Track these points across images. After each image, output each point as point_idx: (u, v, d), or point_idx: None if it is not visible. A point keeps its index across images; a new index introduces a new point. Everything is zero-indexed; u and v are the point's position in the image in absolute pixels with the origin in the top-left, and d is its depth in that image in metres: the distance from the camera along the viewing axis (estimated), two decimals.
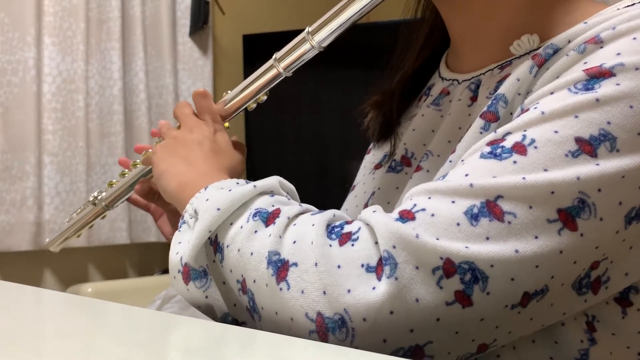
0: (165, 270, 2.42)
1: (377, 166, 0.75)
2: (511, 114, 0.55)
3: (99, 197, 0.80)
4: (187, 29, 2.51)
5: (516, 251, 0.44)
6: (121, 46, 2.30)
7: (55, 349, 0.38)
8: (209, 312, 0.55)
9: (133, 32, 2.36)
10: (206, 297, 0.54)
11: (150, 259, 2.47)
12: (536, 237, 0.44)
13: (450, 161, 0.56)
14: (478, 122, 0.56)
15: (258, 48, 2.53)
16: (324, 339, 0.45)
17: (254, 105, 0.73)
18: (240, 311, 0.54)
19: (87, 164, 2.23)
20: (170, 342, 0.41)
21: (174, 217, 0.79)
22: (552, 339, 0.51)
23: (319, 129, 2.52)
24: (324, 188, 2.25)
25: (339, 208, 0.79)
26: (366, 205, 0.72)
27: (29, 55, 2.15)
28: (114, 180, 0.80)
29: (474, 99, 0.63)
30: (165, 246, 2.48)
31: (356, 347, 0.44)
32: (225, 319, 0.54)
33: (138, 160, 0.78)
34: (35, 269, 2.23)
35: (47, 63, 2.18)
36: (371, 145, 0.80)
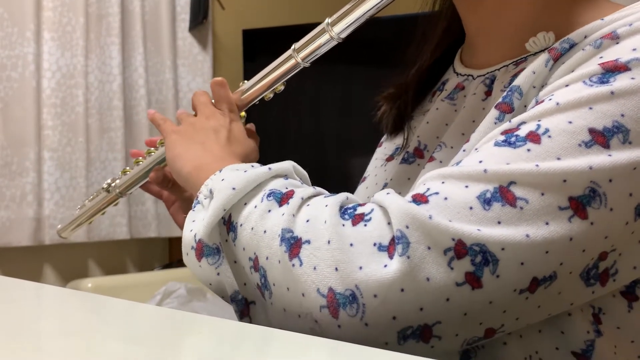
0: (166, 266, 2.42)
1: (389, 158, 0.75)
2: (525, 106, 0.55)
3: (113, 185, 0.81)
4: (186, 24, 2.50)
5: (527, 236, 0.45)
6: (121, 41, 2.30)
7: (55, 344, 0.38)
8: (220, 289, 0.56)
9: (133, 27, 2.36)
10: (218, 274, 0.55)
11: (150, 254, 2.47)
12: (547, 223, 0.45)
13: (464, 150, 0.56)
14: (493, 113, 0.56)
15: (258, 43, 2.53)
16: (334, 314, 0.45)
17: (271, 95, 0.74)
18: (250, 290, 0.54)
19: (86, 159, 2.22)
20: (170, 338, 0.41)
21: (187, 205, 0.80)
22: (559, 329, 0.52)
23: (319, 128, 2.51)
24: (324, 186, 2.25)
25: None
26: None
27: (28, 50, 2.14)
28: (128, 168, 0.81)
29: (488, 93, 0.64)
30: (166, 242, 2.49)
31: (366, 324, 0.45)
32: (235, 297, 0.55)
33: (152, 149, 0.79)
34: (35, 265, 2.23)
35: (46, 58, 2.17)
36: (383, 139, 0.81)
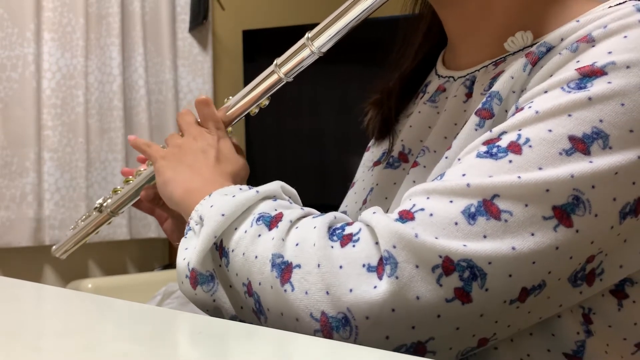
0: (166, 266, 2.42)
1: (376, 163, 0.76)
2: (506, 111, 0.55)
3: (104, 204, 0.82)
4: (186, 25, 2.50)
5: (513, 248, 0.45)
6: (121, 42, 2.30)
7: (55, 344, 0.38)
8: (217, 314, 0.57)
9: (133, 28, 2.36)
10: (214, 300, 0.55)
11: (150, 254, 2.47)
12: (532, 234, 0.45)
13: (446, 157, 0.57)
14: (473, 119, 0.56)
15: (258, 43, 2.52)
16: (328, 337, 0.46)
17: (256, 110, 0.74)
18: (247, 313, 0.55)
19: (87, 159, 2.22)
20: (171, 338, 0.41)
21: (179, 221, 0.80)
22: (549, 331, 0.52)
23: (318, 128, 2.51)
24: (323, 186, 2.25)
25: (338, 206, 0.79)
26: (365, 202, 0.73)
27: (28, 50, 2.14)
28: (119, 187, 0.81)
29: (469, 95, 0.64)
30: (165, 242, 2.48)
31: (360, 345, 0.45)
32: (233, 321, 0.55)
33: (141, 168, 0.79)
34: (35, 265, 2.23)
35: (46, 59, 2.17)
36: (370, 143, 0.81)
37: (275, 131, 2.53)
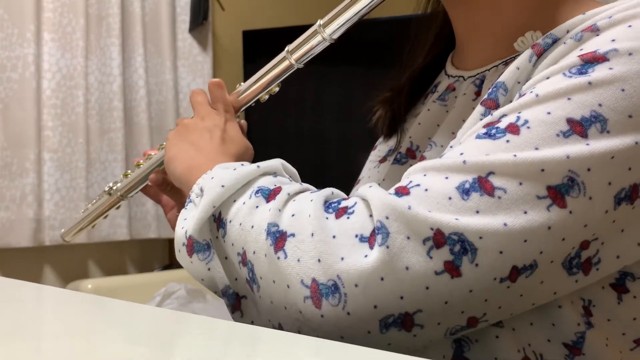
0: (166, 267, 2.42)
1: (382, 160, 0.77)
2: (511, 101, 0.55)
3: (114, 188, 0.83)
4: (186, 25, 2.50)
5: (505, 224, 0.45)
6: (121, 42, 2.30)
7: (55, 345, 0.38)
8: (211, 284, 0.57)
9: (133, 29, 2.36)
10: (208, 269, 0.56)
11: (150, 255, 2.47)
12: (525, 212, 0.45)
13: (451, 146, 0.57)
14: (479, 109, 0.57)
15: (258, 44, 2.53)
16: (317, 304, 0.46)
17: (266, 97, 0.75)
18: (240, 285, 0.55)
19: (87, 160, 2.22)
20: (170, 339, 0.41)
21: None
22: (549, 321, 0.52)
23: (320, 128, 2.52)
24: (324, 187, 2.25)
25: None
26: None
27: (28, 51, 2.14)
28: (129, 172, 0.83)
29: (478, 93, 0.65)
30: (165, 242, 2.49)
31: (348, 313, 0.46)
32: (226, 291, 0.56)
33: (152, 153, 0.80)
34: (35, 266, 2.23)
35: (46, 59, 2.17)
36: (377, 142, 0.82)
37: (277, 131, 2.53)
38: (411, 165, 0.70)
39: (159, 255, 2.49)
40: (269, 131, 2.51)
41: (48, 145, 2.16)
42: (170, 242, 2.48)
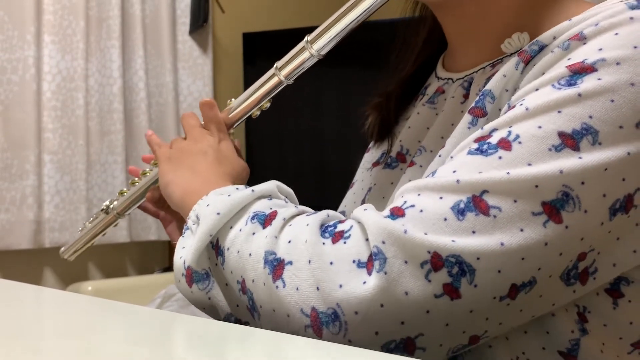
0: (166, 269, 2.42)
1: (375, 164, 0.76)
2: (499, 109, 0.55)
3: (111, 206, 0.83)
4: (187, 27, 2.50)
5: (502, 244, 0.45)
6: (121, 44, 2.30)
7: (55, 347, 0.38)
8: (213, 312, 0.57)
9: (133, 31, 2.36)
10: (209, 298, 0.56)
11: (150, 257, 2.47)
12: (521, 230, 0.45)
13: (439, 156, 0.57)
14: (466, 118, 0.57)
15: (258, 46, 2.53)
16: (318, 333, 0.46)
17: (258, 113, 0.75)
18: (242, 311, 0.55)
19: (87, 162, 2.22)
20: (171, 340, 0.41)
21: (182, 225, 0.81)
22: (544, 329, 0.52)
23: (319, 129, 2.51)
24: (323, 188, 2.25)
25: (338, 207, 0.80)
26: (363, 202, 0.74)
27: (28, 53, 2.14)
28: (125, 189, 0.82)
29: (466, 96, 0.65)
30: (166, 245, 2.48)
31: (349, 340, 0.45)
32: (228, 319, 0.56)
33: (147, 169, 0.79)
34: (35, 268, 2.23)
35: (46, 61, 2.17)
36: (370, 145, 0.82)
37: (276, 133, 2.53)
38: (401, 170, 0.70)
39: (159, 257, 2.49)
40: (269, 132, 2.51)
41: (48, 147, 2.16)
42: (170, 244, 2.48)
